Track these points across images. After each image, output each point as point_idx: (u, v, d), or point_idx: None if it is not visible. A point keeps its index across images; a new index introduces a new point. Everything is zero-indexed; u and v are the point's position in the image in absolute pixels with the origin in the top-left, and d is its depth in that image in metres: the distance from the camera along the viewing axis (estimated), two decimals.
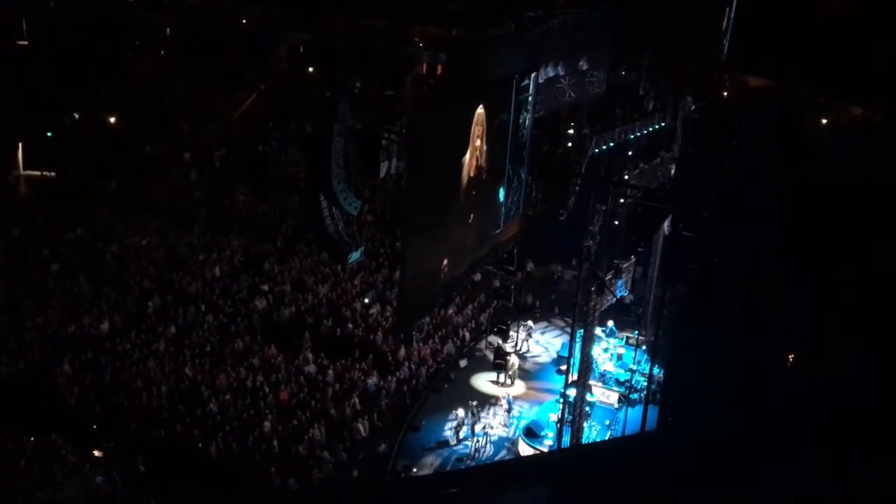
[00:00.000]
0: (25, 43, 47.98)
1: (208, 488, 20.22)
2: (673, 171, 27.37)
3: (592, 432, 23.40)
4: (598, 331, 25.01)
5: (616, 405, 25.15)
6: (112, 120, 44.12)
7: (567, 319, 29.12)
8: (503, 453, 23.63)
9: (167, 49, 52.34)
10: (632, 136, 24.86)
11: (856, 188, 30.64)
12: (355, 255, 19.29)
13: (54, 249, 32.42)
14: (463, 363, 27.93)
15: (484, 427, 23.82)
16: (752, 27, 32.87)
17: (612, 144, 23.75)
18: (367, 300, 29.97)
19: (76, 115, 44.33)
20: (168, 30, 53.53)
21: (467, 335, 29.45)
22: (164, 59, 50.86)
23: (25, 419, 22.52)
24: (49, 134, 42.02)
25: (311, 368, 25.81)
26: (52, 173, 40.14)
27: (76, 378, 24.52)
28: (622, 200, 24.05)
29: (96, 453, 21.88)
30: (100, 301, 28.73)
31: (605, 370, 25.91)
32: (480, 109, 20.16)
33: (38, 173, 40.49)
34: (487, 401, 25.50)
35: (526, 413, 25.22)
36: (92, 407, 23.47)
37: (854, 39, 37.53)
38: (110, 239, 33.45)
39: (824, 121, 44.57)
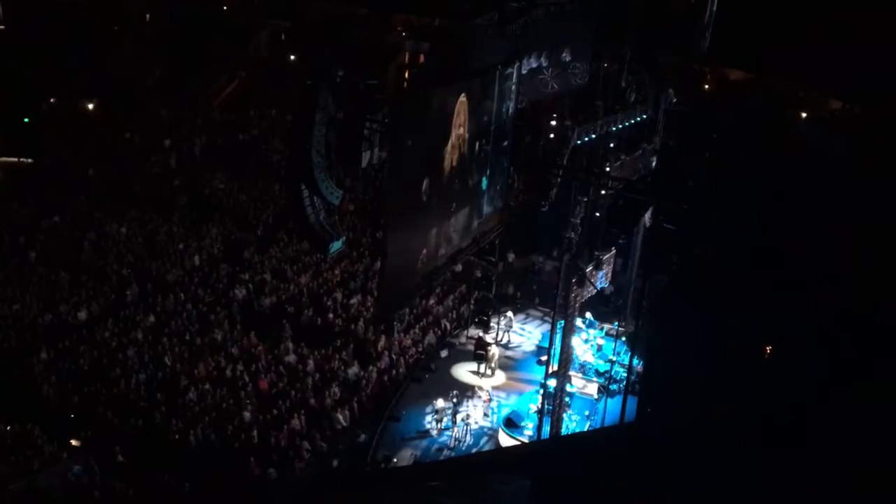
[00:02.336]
0: (2, 27, 47.26)
1: (187, 478, 20.13)
2: (654, 163, 27.48)
3: (572, 423, 23.54)
4: (578, 322, 25.12)
5: (595, 396, 25.30)
6: (90, 106, 43.61)
7: (548, 310, 29.27)
8: (484, 443, 23.72)
9: (146, 35, 51.74)
10: (614, 128, 24.91)
11: (833, 180, 30.92)
12: (336, 245, 19.27)
13: (31, 237, 32.04)
14: (444, 353, 27.97)
15: (464, 417, 23.90)
16: (733, 19, 33.02)
17: (593, 136, 23.78)
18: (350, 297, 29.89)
19: (53, 101, 43.76)
20: (147, 15, 52.91)
21: (448, 325, 29.49)
22: (144, 45, 50.27)
23: (1, 408, 22.30)
24: (26, 120, 41.48)
25: (292, 358, 25.73)
26: (30, 160, 39.61)
27: (53, 367, 24.28)
28: (603, 192, 24.14)
29: (74, 443, 21.71)
30: (78, 289, 28.46)
31: (584, 361, 26.04)
32: (463, 98, 20.16)
33: (14, 160, 39.93)
34: (468, 391, 25.56)
35: (506, 403, 25.32)
36: (69, 396, 23.26)
37: (834, 33, 37.79)
38: (88, 226, 33.09)
39: (804, 114, 44.91)
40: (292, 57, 51.11)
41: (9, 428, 21.53)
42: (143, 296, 28.49)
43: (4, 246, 31.34)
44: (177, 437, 22.00)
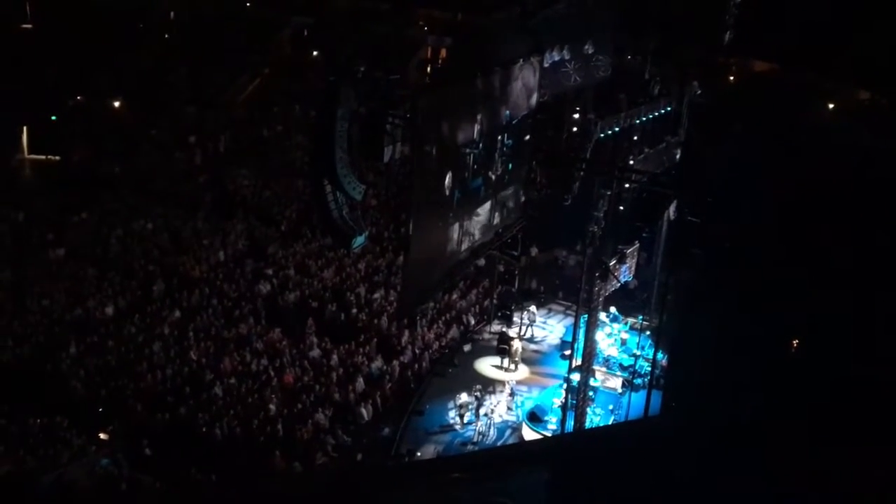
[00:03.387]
0: (30, 27, 47.82)
1: (213, 471, 20.32)
2: (678, 156, 27.25)
3: (596, 417, 23.45)
4: (602, 316, 25.01)
5: (619, 390, 25.16)
6: (116, 104, 44.02)
7: (571, 304, 29.15)
8: (507, 437, 23.71)
9: (171, 33, 52.13)
10: (637, 121, 24.72)
11: (860, 173, 30.50)
12: (359, 240, 19.30)
13: (59, 233, 32.47)
14: (467, 348, 27.97)
15: (487, 412, 23.89)
16: (758, 10, 32.65)
17: (617, 129, 23.62)
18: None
19: (80, 100, 44.22)
20: (171, 13, 53.29)
21: (471, 320, 29.48)
22: (168, 42, 50.66)
23: (31, 402, 22.63)
24: (54, 118, 41.96)
25: (316, 353, 25.88)
26: (57, 157, 40.10)
27: (81, 361, 24.62)
28: (627, 185, 23.97)
29: (102, 436, 22.01)
30: (104, 285, 28.80)
31: (608, 355, 25.91)
32: (485, 92, 20.11)
33: (42, 157, 40.45)
34: (491, 385, 25.55)
35: (529, 398, 25.28)
36: (97, 390, 23.57)
37: (861, 23, 37.26)
38: (115, 223, 33.46)
39: (830, 105, 44.30)
40: (315, 53, 51.25)
41: (38, 421, 21.86)
42: (169, 291, 28.77)
43: (33, 242, 31.78)
44: (203, 430, 22.21)
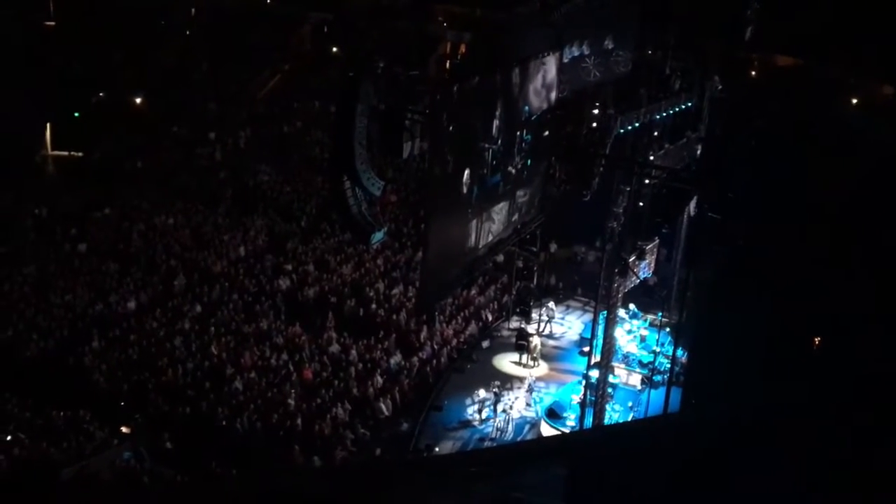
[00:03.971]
0: (53, 24, 48.26)
1: (233, 465, 20.48)
2: (699, 152, 27.07)
3: (615, 414, 23.38)
4: (621, 312, 24.92)
5: (639, 387, 25.08)
6: (138, 100, 44.37)
7: (590, 300, 29.07)
8: (526, 433, 23.69)
9: (192, 30, 52.43)
10: (657, 117, 24.59)
11: (884, 169, 30.11)
12: (378, 236, 19.36)
13: (82, 228, 32.79)
14: (485, 344, 27.97)
15: (506, 408, 23.89)
16: (781, 4, 32.34)
17: (637, 125, 23.51)
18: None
19: (102, 96, 44.60)
20: (193, 10, 53.59)
21: (490, 316, 29.47)
22: (190, 39, 50.95)
23: (54, 395, 22.91)
24: (77, 114, 42.36)
25: (335, 348, 25.98)
26: (80, 153, 40.50)
27: (104, 355, 24.87)
28: (647, 181, 23.86)
29: (124, 429, 22.23)
30: (126, 280, 29.06)
31: (628, 352, 25.82)
32: (504, 88, 20.07)
33: (65, 153, 40.87)
34: (509, 382, 25.54)
35: (548, 394, 25.24)
36: (119, 384, 23.81)
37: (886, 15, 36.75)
38: (137, 218, 33.75)
39: (854, 101, 43.77)
40: (335, 49, 51.35)
41: (61, 414, 22.13)
42: (190, 286, 28.98)
43: (56, 237, 32.13)
44: (223, 424, 22.38)
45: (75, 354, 24.83)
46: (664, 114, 24.85)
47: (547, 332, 28.80)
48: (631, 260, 21.80)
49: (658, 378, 25.28)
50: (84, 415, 22.18)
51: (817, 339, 23.31)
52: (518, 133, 21.30)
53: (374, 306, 28.39)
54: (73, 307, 27.33)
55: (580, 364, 25.89)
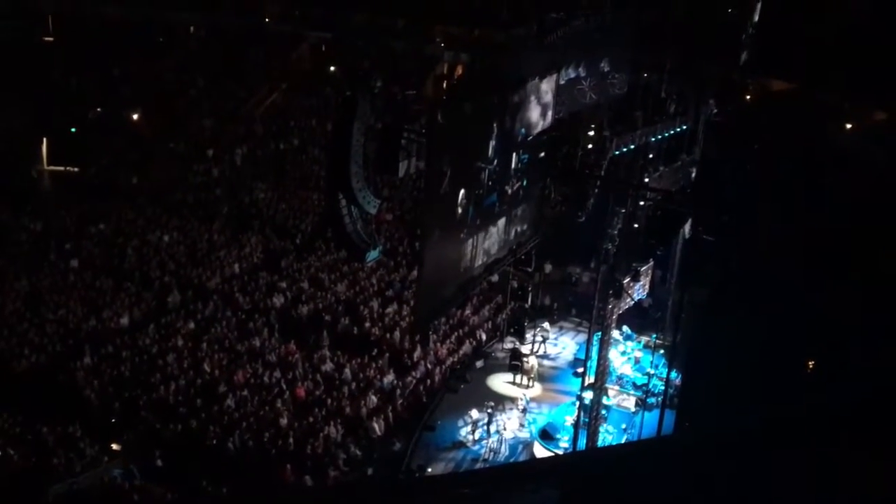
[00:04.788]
0: (51, 39, 48.44)
1: (224, 483, 20.33)
2: (694, 175, 27.18)
3: (608, 436, 23.30)
4: (615, 333, 24.89)
5: (633, 409, 25.01)
6: (135, 116, 44.47)
7: (583, 321, 29.06)
8: (519, 455, 23.58)
9: (190, 46, 52.64)
10: (653, 139, 24.70)
11: (876, 193, 30.31)
12: (373, 255, 19.32)
13: (76, 244, 32.73)
14: (479, 364, 27.90)
15: (499, 428, 23.79)
16: (777, 29, 32.59)
17: (632, 147, 23.61)
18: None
19: (99, 112, 44.70)
20: (191, 27, 53.84)
21: (484, 336, 29.42)
22: (187, 56, 51.15)
23: (45, 411, 22.76)
24: (73, 129, 42.42)
25: (328, 366, 25.89)
26: (76, 169, 40.52)
27: (96, 372, 24.75)
28: (642, 203, 23.93)
29: (114, 446, 22.09)
30: (120, 296, 28.98)
31: (622, 373, 25.78)
32: (500, 109, 20.15)
33: (61, 168, 40.89)
34: (503, 402, 25.45)
35: (541, 415, 25.15)
36: (111, 401, 23.68)
37: (881, 41, 37.10)
38: (131, 234, 33.73)
39: (848, 125, 44.06)
40: (332, 68, 51.57)
41: (52, 430, 21.95)
42: (184, 302, 28.91)
43: (50, 253, 32.06)
44: (215, 442, 22.24)
45: (67, 370, 24.71)
46: (659, 136, 24.96)
47: (541, 352, 28.75)
48: (626, 281, 21.80)
49: (652, 400, 25.24)
50: (74, 431, 22.03)
51: (811, 363, 23.34)
52: (514, 154, 21.36)
53: (368, 325, 28.33)
54: (65, 322, 27.23)
55: (574, 385, 25.83)
